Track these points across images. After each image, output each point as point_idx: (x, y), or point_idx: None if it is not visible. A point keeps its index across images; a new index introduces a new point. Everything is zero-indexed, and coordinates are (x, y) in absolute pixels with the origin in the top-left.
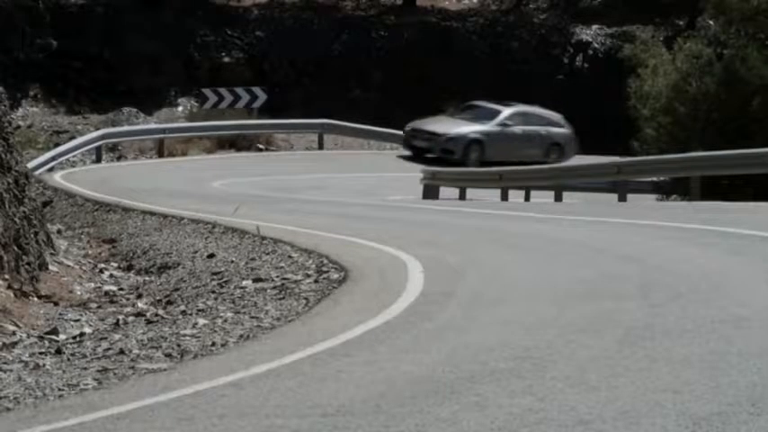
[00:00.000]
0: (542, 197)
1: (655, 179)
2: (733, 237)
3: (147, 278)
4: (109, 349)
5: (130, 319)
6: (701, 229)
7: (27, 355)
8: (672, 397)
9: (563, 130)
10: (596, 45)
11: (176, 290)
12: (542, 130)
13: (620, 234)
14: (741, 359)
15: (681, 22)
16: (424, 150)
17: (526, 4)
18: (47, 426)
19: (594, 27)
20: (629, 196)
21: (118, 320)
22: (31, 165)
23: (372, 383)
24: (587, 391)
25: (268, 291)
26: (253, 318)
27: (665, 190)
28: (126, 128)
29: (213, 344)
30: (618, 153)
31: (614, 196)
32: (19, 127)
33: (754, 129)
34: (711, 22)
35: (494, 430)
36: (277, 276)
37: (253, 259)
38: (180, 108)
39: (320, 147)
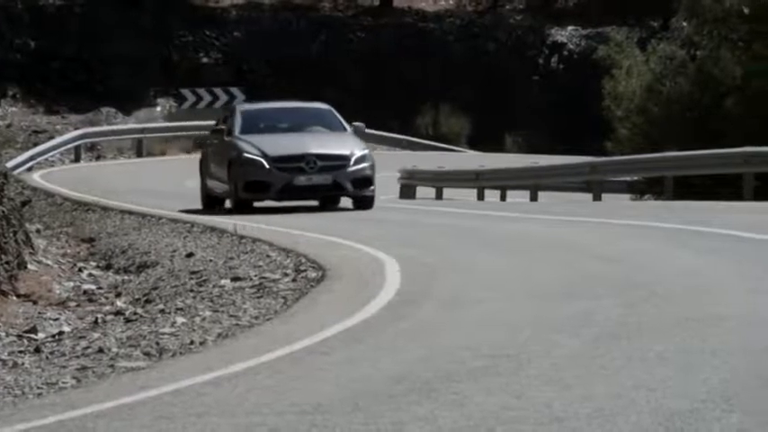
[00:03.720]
0: (518, 197)
1: (629, 179)
2: (707, 236)
3: (125, 277)
4: (88, 348)
5: (109, 317)
6: (676, 228)
7: (6, 353)
8: (646, 394)
9: None
10: (571, 46)
11: (155, 289)
12: None
13: (595, 233)
14: (715, 357)
15: (655, 24)
16: None
17: (502, 5)
18: (26, 424)
19: (569, 28)
20: (604, 196)
21: (97, 319)
22: (9, 164)
23: (350, 382)
24: (563, 388)
25: (246, 290)
26: (231, 316)
27: (639, 189)
28: (105, 128)
29: (192, 342)
30: (592, 153)
31: (589, 196)
32: None
33: (727, 129)
34: (684, 24)
35: (471, 428)
36: (255, 275)
37: (231, 258)
38: (158, 108)
39: None
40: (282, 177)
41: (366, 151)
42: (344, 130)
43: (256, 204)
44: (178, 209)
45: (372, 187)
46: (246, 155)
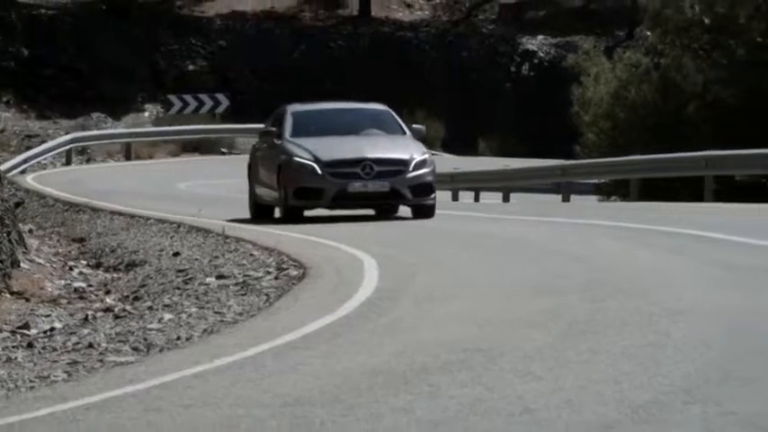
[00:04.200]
0: (491, 198)
1: (596, 181)
2: (671, 236)
3: (114, 275)
4: (78, 343)
5: (99, 314)
6: (642, 228)
7: (0, 348)
8: (612, 386)
9: None
10: (541, 54)
11: (143, 286)
12: None
13: (564, 233)
14: (677, 351)
15: (621, 33)
16: None
17: (475, 15)
18: (18, 416)
19: (540, 37)
20: (573, 197)
21: (87, 316)
22: (3, 167)
23: (330, 375)
24: (533, 381)
25: (231, 287)
26: (216, 313)
27: (606, 191)
28: (95, 132)
29: (178, 338)
30: (562, 156)
31: (559, 197)
32: None
33: (689, 133)
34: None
35: (445, 419)
36: (239, 273)
37: (216, 257)
38: (146, 113)
39: None
40: (336, 184)
41: (426, 156)
42: (403, 132)
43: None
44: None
45: (433, 195)
46: (297, 159)
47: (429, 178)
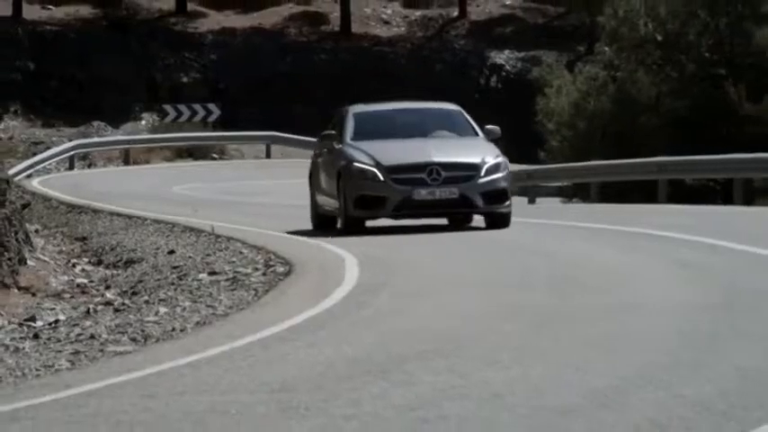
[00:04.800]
0: None
1: (559, 184)
2: (628, 235)
3: (114, 272)
4: (81, 334)
5: (100, 307)
6: (601, 228)
7: (8, 339)
8: (574, 372)
9: None
10: (508, 68)
11: (140, 282)
12: None
13: (531, 233)
14: (632, 341)
15: (581, 49)
16: None
17: (447, 31)
18: (26, 402)
19: (506, 52)
20: (538, 199)
21: (89, 309)
22: (11, 172)
23: (314, 364)
24: (501, 368)
25: (222, 283)
26: (208, 306)
27: (568, 194)
28: (96, 139)
29: (173, 329)
30: (528, 162)
31: (524, 199)
32: (0, 139)
33: (644, 141)
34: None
35: (420, 404)
36: (230, 270)
37: (208, 255)
38: (143, 122)
39: (268, 156)
40: (400, 191)
41: (500, 159)
42: (475, 134)
43: (227, 209)
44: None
45: (508, 202)
46: (357, 164)
47: (503, 184)
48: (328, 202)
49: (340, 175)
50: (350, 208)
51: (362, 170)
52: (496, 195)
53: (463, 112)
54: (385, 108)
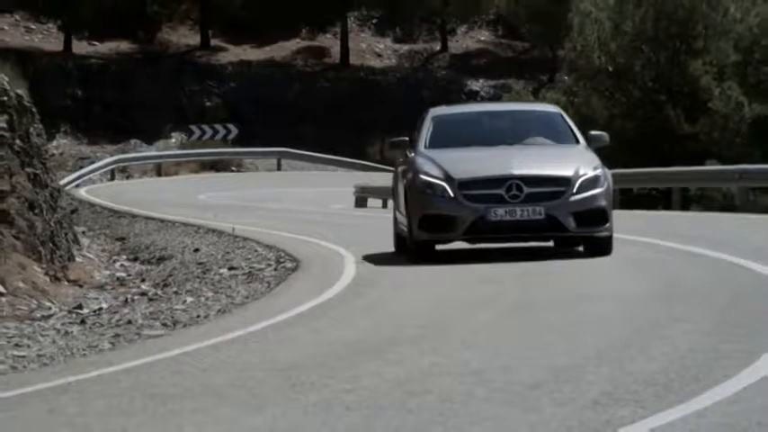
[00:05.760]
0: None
1: None
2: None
3: (148, 267)
4: (120, 320)
5: (136, 297)
6: None
7: (59, 324)
8: (539, 353)
9: None
10: (483, 94)
11: (170, 276)
12: None
13: None
14: (590, 326)
15: (544, 78)
16: None
17: (431, 63)
18: (74, 377)
19: (481, 80)
20: None
21: (127, 299)
22: (62, 182)
23: (318, 346)
24: (478, 350)
25: (239, 276)
26: (228, 297)
27: None
28: (133, 154)
29: (198, 316)
30: None
31: None
32: (53, 154)
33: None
34: (566, 78)
35: (409, 379)
36: (246, 265)
37: (228, 253)
38: (173, 140)
39: (278, 168)
40: (472, 210)
41: (599, 172)
42: (576, 141)
43: (244, 214)
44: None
45: (608, 224)
46: (423, 177)
47: (601, 202)
48: (402, 221)
49: (406, 190)
50: (414, 229)
51: (430, 184)
52: (593, 216)
53: (563, 114)
54: (470, 110)
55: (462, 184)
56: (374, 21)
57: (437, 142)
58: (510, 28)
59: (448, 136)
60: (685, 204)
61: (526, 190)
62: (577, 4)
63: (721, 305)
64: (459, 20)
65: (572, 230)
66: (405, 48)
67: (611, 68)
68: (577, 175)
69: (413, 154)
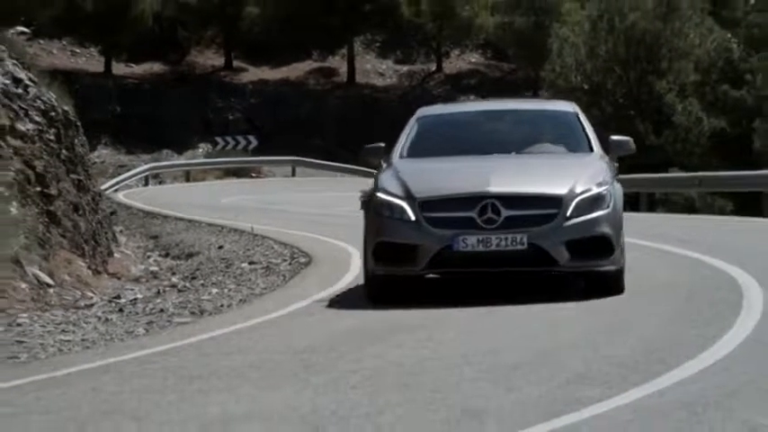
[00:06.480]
0: None
1: None
2: None
3: (178, 262)
4: (153, 309)
5: (167, 289)
6: None
7: (100, 312)
8: (524, 340)
9: None
10: None
11: (197, 270)
12: None
13: None
14: (567, 317)
15: (528, 95)
16: None
17: (428, 81)
18: (113, 359)
19: (471, 97)
20: None
21: (159, 290)
22: (102, 187)
23: (327, 331)
24: (469, 339)
25: (258, 270)
26: (248, 288)
27: None
28: (164, 163)
29: (222, 305)
30: None
31: None
32: (95, 163)
33: None
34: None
35: (408, 362)
36: (264, 260)
37: (248, 249)
38: (200, 150)
39: (293, 175)
40: (437, 237)
41: (604, 189)
42: (589, 149)
43: (262, 215)
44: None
45: (612, 256)
46: (381, 196)
47: (604, 228)
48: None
49: (366, 211)
50: (369, 260)
51: (388, 204)
52: (592, 245)
53: (579, 113)
54: (465, 110)
55: (425, 205)
56: (377, 44)
57: (419, 150)
58: (497, 51)
59: (433, 142)
60: (652, 207)
61: (505, 213)
62: (557, 30)
63: (683, 296)
64: (453, 44)
65: (564, 264)
66: (404, 68)
67: (586, 87)
68: (573, 194)
69: (387, 164)
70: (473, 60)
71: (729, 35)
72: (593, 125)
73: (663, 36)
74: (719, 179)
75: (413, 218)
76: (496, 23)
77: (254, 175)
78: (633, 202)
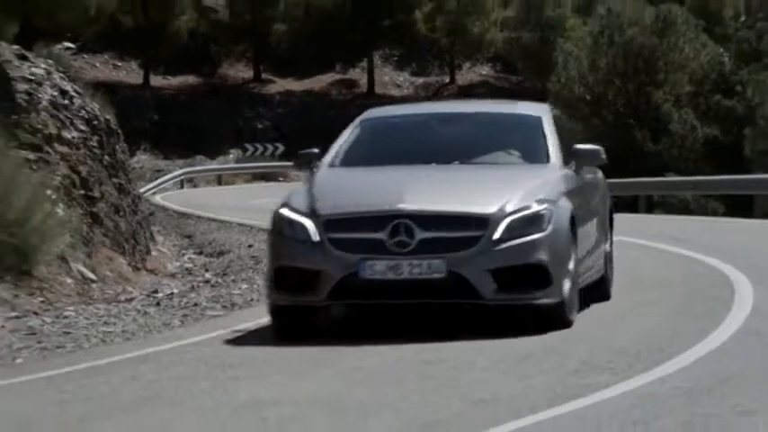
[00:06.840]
0: None
1: None
2: None
3: (211, 259)
4: (188, 303)
5: (201, 284)
6: None
7: (139, 305)
8: (533, 331)
9: None
10: None
11: (229, 266)
12: None
13: None
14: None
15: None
16: None
17: (441, 92)
18: (151, 349)
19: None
20: None
21: (193, 285)
22: (141, 190)
23: (336, 328)
24: (480, 329)
25: None
26: None
27: None
28: (198, 167)
29: (252, 300)
30: None
31: None
32: (134, 168)
33: None
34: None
35: (411, 353)
36: None
37: None
38: (231, 155)
39: None
40: (341, 262)
41: (544, 207)
42: (546, 160)
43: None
44: None
45: (551, 286)
46: (284, 212)
47: (538, 255)
48: None
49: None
50: (268, 289)
51: (289, 222)
52: (523, 274)
53: (544, 119)
54: (416, 112)
55: (329, 224)
56: (395, 58)
57: (353, 157)
58: (506, 64)
59: (372, 148)
60: (650, 208)
61: (419, 235)
62: (561, 45)
63: (678, 292)
64: (465, 57)
65: (488, 297)
66: (420, 80)
67: (588, 97)
68: (502, 213)
69: (311, 173)
70: (483, 73)
71: (721, 50)
72: (595, 134)
73: (659, 50)
74: (712, 183)
75: (316, 239)
76: (505, 38)
77: (281, 179)
78: (632, 204)
